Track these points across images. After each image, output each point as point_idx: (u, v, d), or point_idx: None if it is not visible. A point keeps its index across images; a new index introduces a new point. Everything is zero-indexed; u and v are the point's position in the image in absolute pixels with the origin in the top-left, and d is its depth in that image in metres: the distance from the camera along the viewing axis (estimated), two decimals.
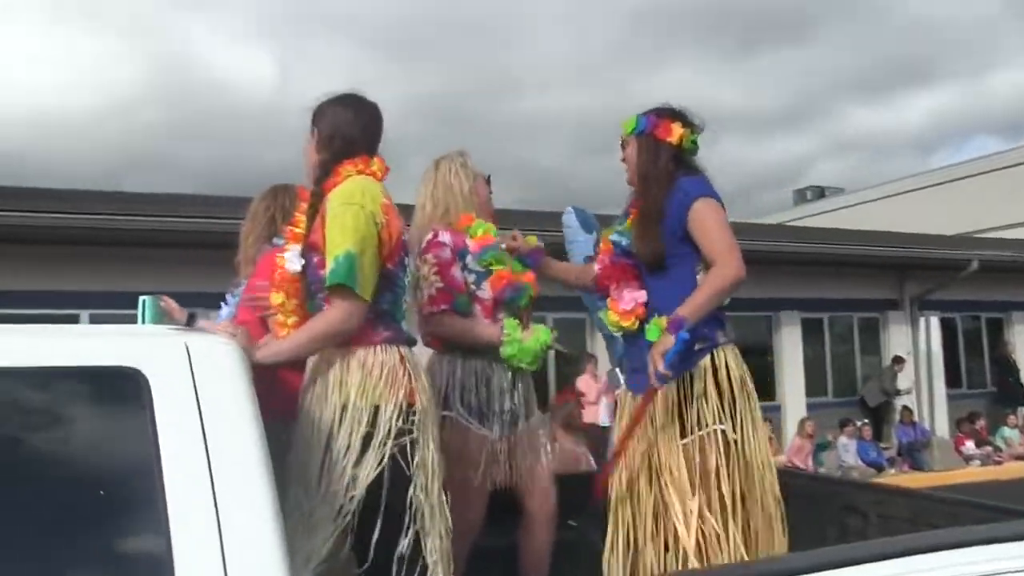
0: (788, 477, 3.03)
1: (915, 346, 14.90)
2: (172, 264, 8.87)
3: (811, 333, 14.38)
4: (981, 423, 13.49)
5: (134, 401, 1.63)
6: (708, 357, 2.70)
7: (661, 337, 2.56)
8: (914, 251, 14.20)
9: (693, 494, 2.62)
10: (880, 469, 12.14)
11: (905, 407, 13.45)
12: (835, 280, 13.94)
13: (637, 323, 2.81)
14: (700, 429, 2.66)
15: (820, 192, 27.74)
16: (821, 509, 2.99)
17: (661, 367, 2.50)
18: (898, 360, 13.92)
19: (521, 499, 3.16)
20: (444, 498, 2.35)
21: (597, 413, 9.86)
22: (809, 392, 14.00)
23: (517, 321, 3.13)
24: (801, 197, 28.18)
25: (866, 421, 12.77)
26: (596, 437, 8.02)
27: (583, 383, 10.57)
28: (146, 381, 1.65)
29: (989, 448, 12.90)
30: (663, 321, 2.60)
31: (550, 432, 5.94)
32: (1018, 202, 20.25)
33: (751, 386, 2.76)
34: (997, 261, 14.56)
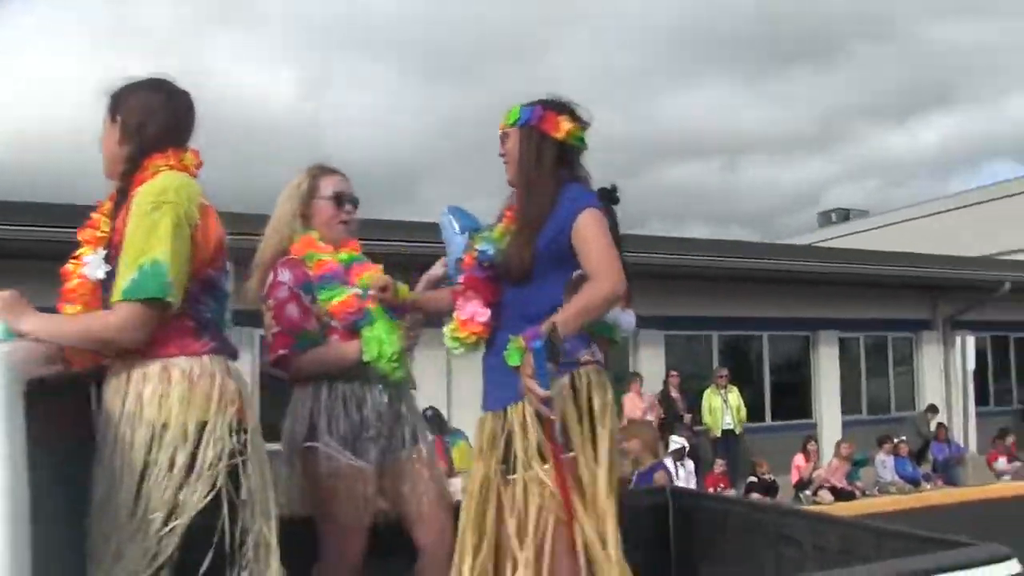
0: (725, 504, 3.00)
1: (947, 365, 14.79)
2: None
3: (847, 352, 14.31)
4: (1011, 440, 13.79)
5: None
6: (568, 378, 2.34)
7: (524, 358, 2.19)
8: (948, 272, 14.23)
9: (534, 534, 2.32)
10: (916, 484, 12.37)
11: (940, 424, 13.25)
12: (870, 301, 13.83)
13: (475, 339, 2.49)
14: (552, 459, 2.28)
15: (845, 214, 27.84)
16: (757, 538, 2.87)
17: (540, 392, 2.13)
18: (932, 409, 13.69)
19: (411, 534, 2.78)
20: (275, 528, 2.06)
21: None
22: (844, 410, 14.00)
23: (384, 322, 2.75)
24: (826, 219, 28.29)
25: (903, 438, 13.06)
26: None
27: (628, 401, 10.53)
28: None
29: (1019, 464, 13.18)
30: (520, 340, 2.22)
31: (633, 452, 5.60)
32: None
33: (613, 412, 2.41)
34: None
